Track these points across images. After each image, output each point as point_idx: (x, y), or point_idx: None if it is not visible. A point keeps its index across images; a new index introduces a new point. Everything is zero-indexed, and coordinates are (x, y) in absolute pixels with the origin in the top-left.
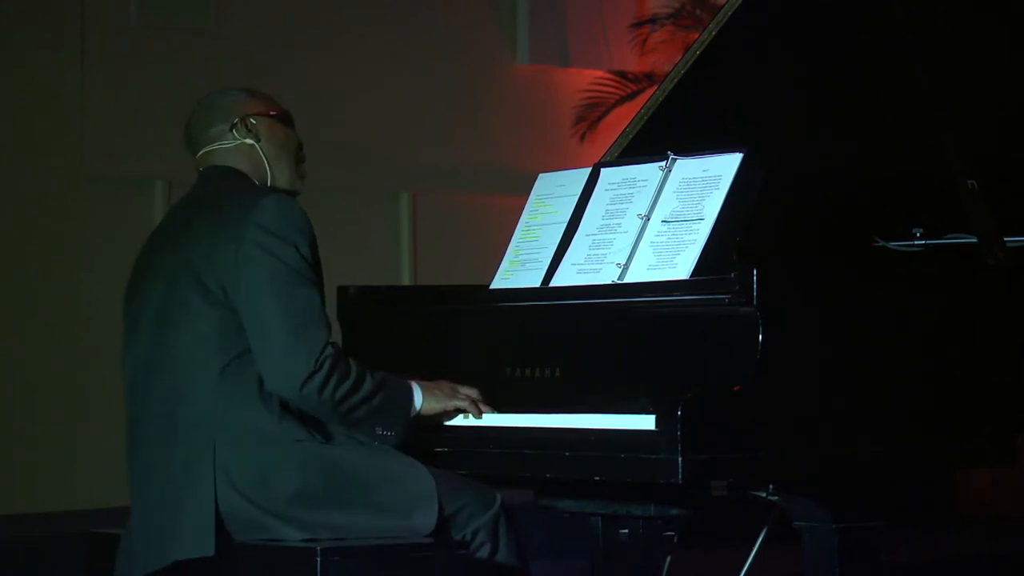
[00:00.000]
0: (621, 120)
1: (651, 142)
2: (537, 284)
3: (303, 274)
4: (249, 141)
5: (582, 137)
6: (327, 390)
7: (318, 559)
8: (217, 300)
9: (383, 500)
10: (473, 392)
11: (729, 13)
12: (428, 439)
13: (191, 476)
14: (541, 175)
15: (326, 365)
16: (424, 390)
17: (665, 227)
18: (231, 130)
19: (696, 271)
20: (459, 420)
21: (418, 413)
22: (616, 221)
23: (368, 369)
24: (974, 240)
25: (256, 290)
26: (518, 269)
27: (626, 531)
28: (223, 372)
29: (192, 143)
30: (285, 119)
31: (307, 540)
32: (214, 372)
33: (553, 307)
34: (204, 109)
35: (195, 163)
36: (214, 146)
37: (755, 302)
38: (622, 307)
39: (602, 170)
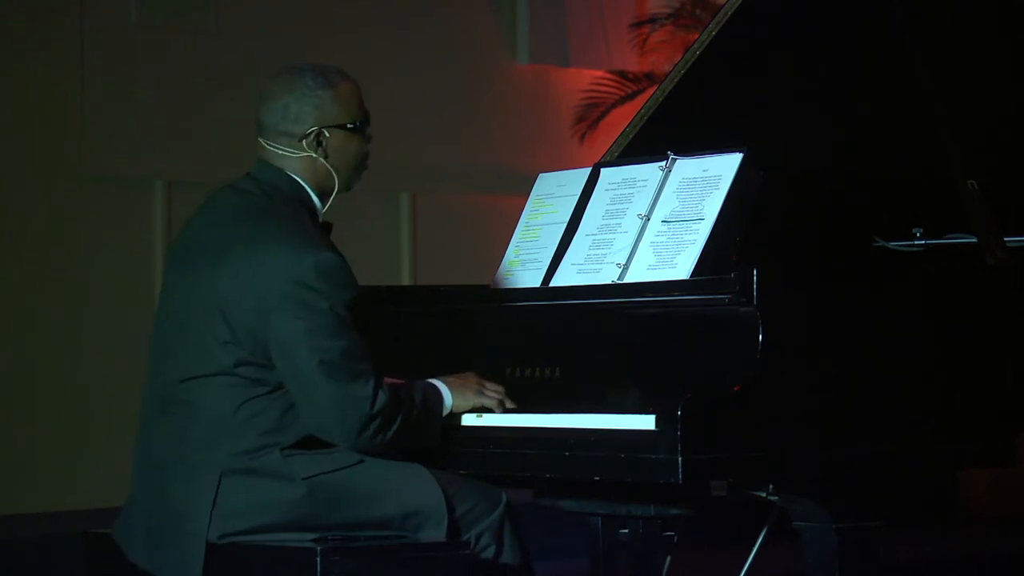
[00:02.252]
0: (621, 120)
1: (651, 142)
2: (537, 284)
3: (343, 323)
4: (315, 155)
5: (582, 137)
6: (379, 437)
7: (318, 559)
8: (242, 341)
9: (390, 520)
10: (498, 389)
11: (729, 13)
12: None
13: (190, 509)
14: (541, 175)
15: (378, 415)
16: (453, 389)
17: (665, 227)
18: (301, 140)
19: (696, 271)
20: (459, 420)
21: (449, 412)
22: (616, 221)
23: (403, 391)
24: (974, 240)
25: (294, 345)
26: (518, 269)
27: (626, 531)
28: (238, 410)
29: (260, 126)
30: (360, 129)
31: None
32: (230, 408)
33: (553, 307)
34: (286, 94)
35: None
36: (278, 151)
37: (755, 302)
38: (622, 307)
39: (602, 170)
